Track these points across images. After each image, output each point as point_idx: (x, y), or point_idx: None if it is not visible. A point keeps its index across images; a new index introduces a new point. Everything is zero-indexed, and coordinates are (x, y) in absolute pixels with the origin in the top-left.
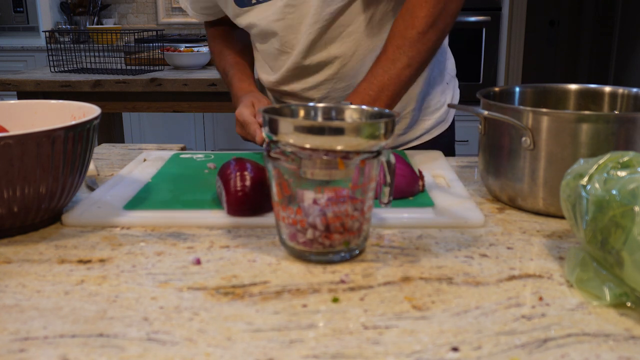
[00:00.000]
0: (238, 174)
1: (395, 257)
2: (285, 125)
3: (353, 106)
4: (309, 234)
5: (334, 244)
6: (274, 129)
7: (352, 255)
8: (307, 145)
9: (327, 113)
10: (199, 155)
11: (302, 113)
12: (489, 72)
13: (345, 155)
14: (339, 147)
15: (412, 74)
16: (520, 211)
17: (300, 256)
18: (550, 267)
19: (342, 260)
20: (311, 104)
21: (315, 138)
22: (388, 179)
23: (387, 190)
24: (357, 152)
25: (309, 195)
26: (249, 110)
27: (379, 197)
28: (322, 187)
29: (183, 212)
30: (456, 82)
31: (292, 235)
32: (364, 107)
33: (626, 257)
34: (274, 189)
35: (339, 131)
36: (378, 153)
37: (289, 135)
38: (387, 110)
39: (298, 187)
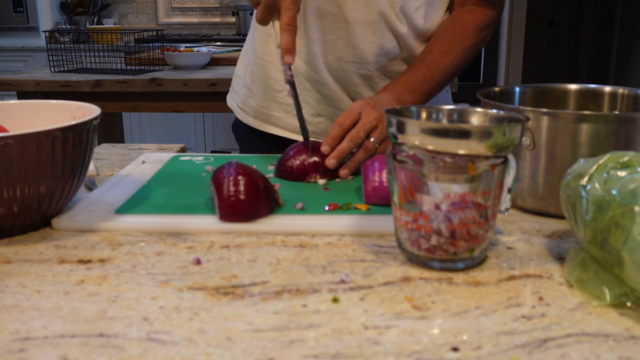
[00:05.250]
0: (231, 178)
1: (395, 257)
2: (415, 127)
3: (475, 109)
4: (434, 240)
5: (459, 251)
6: (402, 129)
7: (475, 262)
8: (441, 149)
9: (450, 116)
10: (199, 158)
11: (424, 115)
12: (489, 72)
13: (475, 159)
14: (477, 151)
15: (447, 80)
16: (520, 211)
17: (422, 263)
18: (550, 267)
19: (467, 268)
20: (433, 106)
21: (450, 141)
22: (510, 184)
23: (508, 196)
24: (487, 157)
25: (434, 200)
26: (295, 6)
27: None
28: (449, 192)
29: (175, 217)
30: (449, 91)
31: (413, 241)
32: (487, 110)
33: (626, 257)
34: (397, 193)
35: (482, 134)
36: (506, 158)
37: (417, 138)
38: (519, 115)
39: (424, 192)
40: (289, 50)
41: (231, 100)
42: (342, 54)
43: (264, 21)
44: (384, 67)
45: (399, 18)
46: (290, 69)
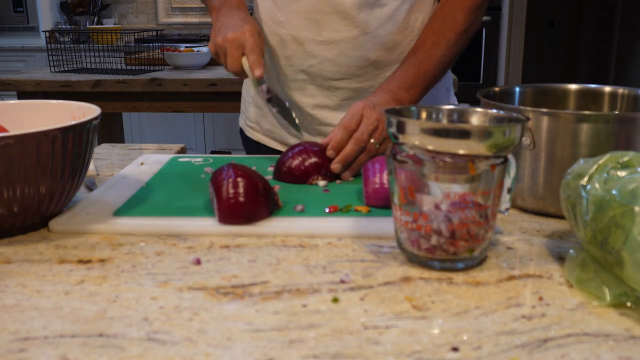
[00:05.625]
0: (230, 180)
1: (395, 257)
2: (415, 127)
3: (475, 109)
4: (434, 240)
5: (459, 251)
6: (402, 129)
7: (475, 262)
8: (441, 149)
9: (450, 116)
10: (198, 159)
11: (424, 115)
12: (489, 72)
13: (475, 159)
14: (477, 151)
15: (442, 71)
16: (520, 211)
17: (422, 263)
18: (550, 267)
19: (467, 268)
20: (432, 106)
21: (450, 141)
22: (510, 184)
23: (508, 196)
24: (487, 157)
25: (434, 200)
26: (255, 39)
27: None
28: (449, 192)
29: (174, 220)
30: (452, 88)
31: (413, 241)
32: (487, 110)
33: (626, 257)
34: (397, 193)
35: (482, 134)
36: (506, 158)
37: (418, 138)
38: (519, 115)
39: (424, 192)
40: (255, 65)
41: (241, 120)
42: (329, 74)
43: (237, 71)
44: (376, 77)
45: (381, 25)
46: (264, 82)
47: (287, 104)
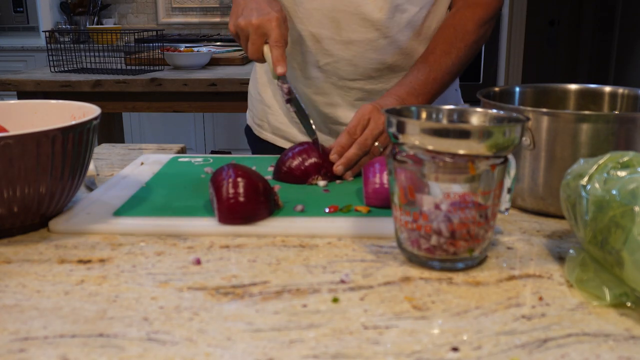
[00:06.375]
0: (230, 180)
1: (395, 257)
2: (415, 127)
3: (475, 109)
4: (434, 240)
5: (459, 251)
6: (402, 129)
7: (475, 262)
8: (441, 149)
9: (450, 116)
10: (198, 159)
11: (424, 115)
12: (489, 72)
13: (475, 159)
14: (477, 151)
15: (450, 79)
16: (520, 211)
17: (422, 263)
18: (550, 267)
19: (467, 268)
20: (432, 106)
21: (450, 141)
22: (510, 184)
23: (508, 196)
24: (487, 157)
25: (434, 200)
26: (281, 29)
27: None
28: (449, 192)
29: (173, 220)
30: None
31: (413, 241)
32: (487, 110)
33: (626, 257)
34: (397, 193)
35: (482, 134)
36: (506, 158)
37: (418, 138)
38: (519, 115)
39: (424, 192)
40: (279, 61)
41: (249, 118)
42: (344, 73)
43: (258, 59)
44: (390, 80)
45: (400, 30)
46: (286, 82)
47: (306, 110)
